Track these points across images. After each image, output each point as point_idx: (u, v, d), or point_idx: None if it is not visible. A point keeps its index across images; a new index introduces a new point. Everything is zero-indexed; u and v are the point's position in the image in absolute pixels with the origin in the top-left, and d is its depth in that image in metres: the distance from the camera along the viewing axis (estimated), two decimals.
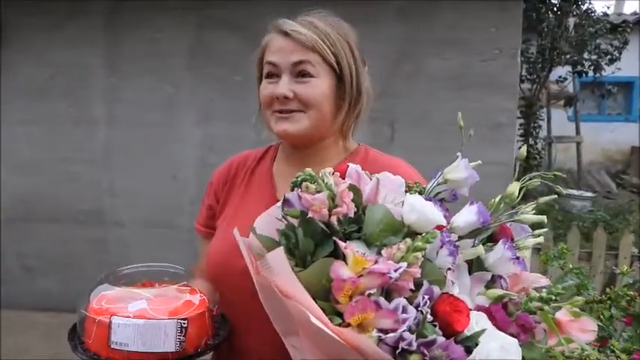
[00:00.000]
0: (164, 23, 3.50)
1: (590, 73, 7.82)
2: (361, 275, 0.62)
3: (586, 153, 9.05)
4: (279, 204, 0.77)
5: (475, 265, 0.71)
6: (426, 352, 0.60)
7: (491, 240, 0.73)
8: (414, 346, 0.60)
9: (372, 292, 0.62)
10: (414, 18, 3.29)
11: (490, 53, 3.28)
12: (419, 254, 0.63)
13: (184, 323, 0.85)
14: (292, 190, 0.74)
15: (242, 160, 1.15)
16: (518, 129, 6.89)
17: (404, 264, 0.62)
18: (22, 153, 3.73)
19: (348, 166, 0.78)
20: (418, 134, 3.30)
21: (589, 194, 7.52)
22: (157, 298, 0.88)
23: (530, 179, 0.75)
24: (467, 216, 0.71)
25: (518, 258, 0.71)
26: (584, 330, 0.69)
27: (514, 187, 0.73)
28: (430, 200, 0.73)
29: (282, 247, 0.68)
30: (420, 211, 0.68)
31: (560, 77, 8.21)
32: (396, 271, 0.61)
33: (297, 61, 0.97)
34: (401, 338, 0.60)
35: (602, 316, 1.08)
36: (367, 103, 1.06)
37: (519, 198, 0.75)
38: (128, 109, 3.60)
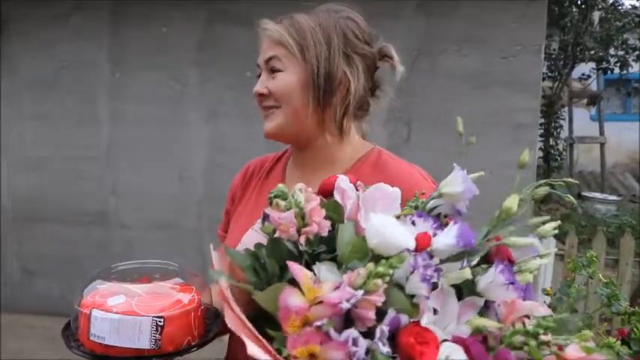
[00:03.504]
0: (172, 16, 3.54)
1: (616, 70, 7.79)
2: (316, 303, 0.60)
3: (610, 154, 9.02)
4: (258, 222, 0.77)
5: (466, 290, 0.66)
6: None
7: (488, 261, 0.68)
8: None
9: (323, 322, 0.59)
10: (432, 13, 3.31)
11: (512, 50, 3.29)
12: (379, 281, 0.59)
13: (160, 321, 0.87)
14: (270, 205, 0.72)
15: (259, 163, 1.19)
16: (538, 129, 6.88)
17: (359, 292, 0.59)
18: (23, 150, 3.79)
19: (337, 177, 0.76)
20: (436, 134, 3.31)
21: (613, 198, 7.50)
22: (148, 295, 0.92)
23: (536, 187, 0.70)
24: (446, 238, 0.65)
25: (513, 283, 0.64)
26: None
27: (512, 202, 0.67)
28: (421, 216, 0.69)
29: (225, 279, 0.68)
30: (381, 233, 0.63)
31: (583, 75, 8.20)
32: (348, 300, 0.58)
33: (268, 58, 1.02)
34: None
35: (635, 329, 1.09)
36: (356, 98, 1.03)
37: (527, 206, 0.69)
38: (133, 106, 3.64)
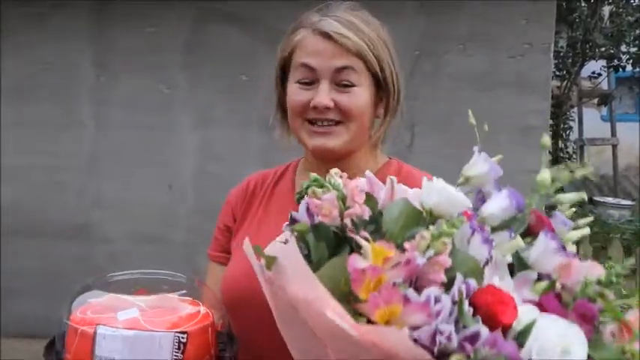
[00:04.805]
0: (159, 16, 3.52)
1: (628, 68, 7.80)
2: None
3: (622, 156, 9.02)
4: (285, 227, 0.76)
5: (517, 265, 0.69)
6: (469, 348, 0.56)
7: (529, 235, 0.71)
8: (455, 340, 0.56)
9: (398, 281, 0.59)
10: (435, 11, 3.30)
11: (519, 48, 3.29)
12: (446, 239, 0.61)
13: (183, 338, 0.81)
14: (298, 201, 0.73)
15: (260, 179, 1.17)
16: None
17: (431, 251, 0.60)
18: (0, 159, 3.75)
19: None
20: (440, 139, 3.30)
21: (627, 202, 7.51)
22: (152, 309, 0.85)
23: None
24: (498, 202, 0.70)
25: (564, 248, 0.68)
26: None
27: (544, 174, 0.73)
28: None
29: (293, 239, 0.67)
30: (441, 191, 0.68)
31: (593, 73, 8.20)
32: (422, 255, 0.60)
33: (341, 67, 0.98)
34: (437, 332, 0.56)
35: None
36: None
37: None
38: (118, 112, 3.60)
